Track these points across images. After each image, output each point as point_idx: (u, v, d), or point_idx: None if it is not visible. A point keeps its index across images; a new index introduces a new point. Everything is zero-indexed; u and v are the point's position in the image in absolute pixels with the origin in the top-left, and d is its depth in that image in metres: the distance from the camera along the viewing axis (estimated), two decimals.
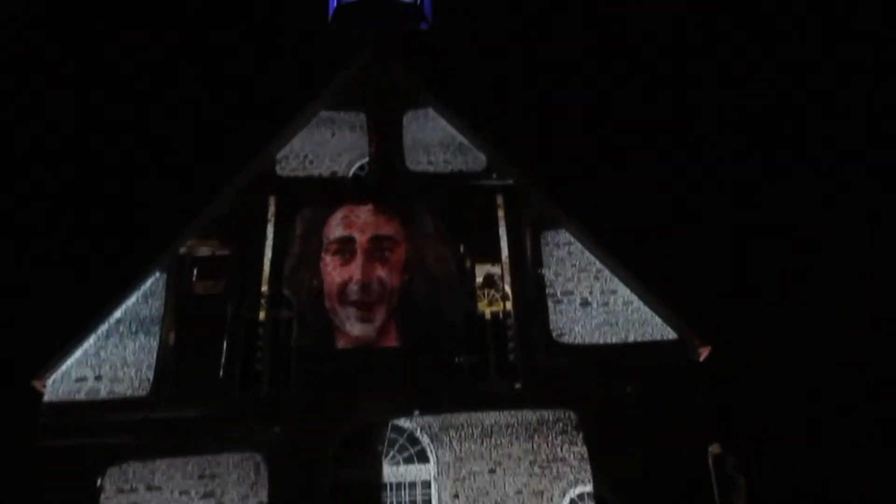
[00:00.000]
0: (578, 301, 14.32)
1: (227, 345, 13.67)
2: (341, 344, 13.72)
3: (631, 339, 14.03)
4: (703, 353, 14.00)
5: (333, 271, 14.20)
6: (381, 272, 14.17)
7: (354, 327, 13.80)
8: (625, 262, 14.52)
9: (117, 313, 13.82)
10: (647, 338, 14.05)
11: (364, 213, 14.71)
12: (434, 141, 15.62)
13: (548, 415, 13.18)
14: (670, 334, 14.10)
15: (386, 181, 15.18)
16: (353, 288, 14.01)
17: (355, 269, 14.13)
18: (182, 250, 14.44)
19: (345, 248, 14.38)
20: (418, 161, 15.46)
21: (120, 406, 13.04)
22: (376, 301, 13.95)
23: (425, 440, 13.03)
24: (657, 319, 14.20)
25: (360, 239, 14.42)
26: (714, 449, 12.99)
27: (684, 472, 12.78)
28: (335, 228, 14.56)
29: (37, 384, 13.30)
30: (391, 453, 13.05)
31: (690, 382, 13.59)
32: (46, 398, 13.18)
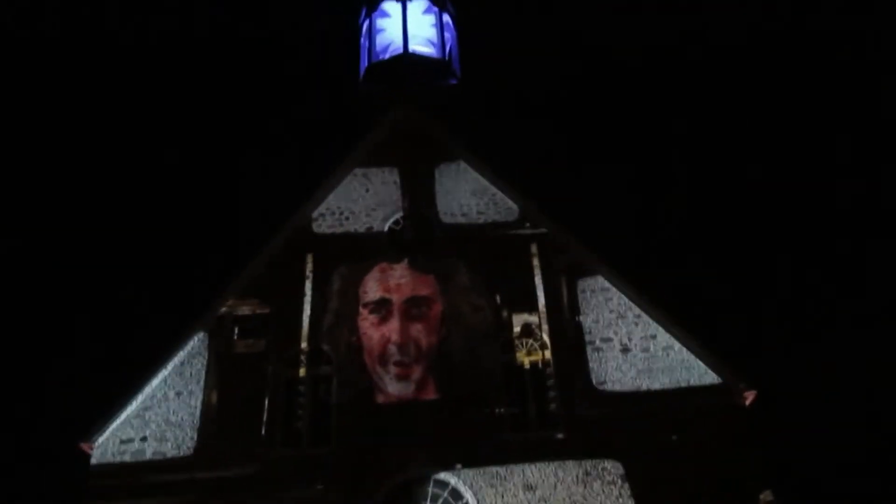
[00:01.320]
0: (618, 348, 14.16)
1: (268, 403, 13.72)
2: (381, 399, 13.72)
3: (673, 385, 13.76)
4: (749, 397, 13.69)
5: (370, 329, 14.28)
6: (418, 331, 14.21)
7: (392, 385, 13.82)
8: (663, 305, 14.40)
9: (161, 374, 14.00)
10: (690, 383, 13.75)
11: (399, 271, 14.83)
12: (466, 193, 15.80)
13: (591, 465, 12.93)
14: (714, 379, 13.79)
15: (420, 235, 15.37)
16: (392, 349, 14.04)
17: (393, 332, 14.19)
18: (223, 310, 14.63)
19: (381, 308, 14.47)
20: (452, 213, 15.64)
21: (164, 467, 13.09)
22: (414, 361, 14.00)
23: (468, 494, 12.87)
24: (700, 364, 13.96)
25: (397, 300, 14.49)
26: (766, 497, 12.66)
27: None
28: (371, 289, 14.67)
29: (84, 447, 13.41)
30: None
31: (737, 428, 13.28)
32: (94, 461, 13.27)
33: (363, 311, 14.48)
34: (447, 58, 19.36)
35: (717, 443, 13.07)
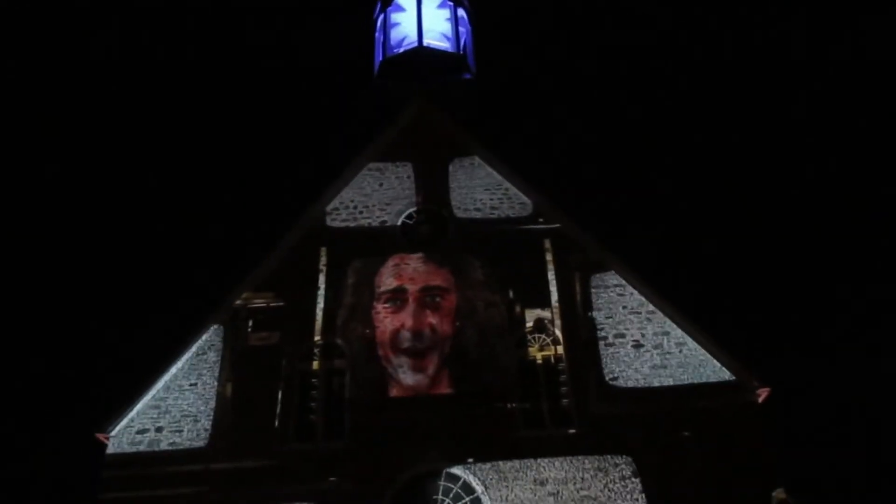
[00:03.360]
0: (630, 344, 14.17)
1: (282, 396, 13.82)
2: (394, 393, 13.76)
3: (686, 381, 13.74)
4: (762, 394, 13.64)
5: (385, 319, 14.36)
6: (432, 319, 14.27)
7: (407, 376, 13.85)
8: (676, 301, 14.37)
9: (176, 365, 14.09)
10: (703, 380, 13.75)
11: (414, 262, 14.89)
12: (480, 188, 15.83)
13: (603, 461, 12.96)
14: (727, 376, 13.79)
15: (435, 229, 15.40)
16: (406, 335, 14.12)
17: (407, 317, 14.27)
18: (238, 303, 14.74)
19: (397, 297, 14.53)
20: (465, 208, 15.68)
21: (179, 457, 13.25)
22: (428, 349, 14.02)
23: (479, 488, 12.90)
24: (713, 361, 13.94)
25: (412, 289, 14.58)
26: (779, 494, 12.61)
27: None
28: (386, 279, 14.74)
29: (100, 437, 13.56)
30: (446, 502, 12.93)
31: (750, 425, 13.26)
32: (110, 450, 13.45)
33: (377, 305, 14.56)
34: (462, 52, 19.40)
35: (730, 440, 13.04)
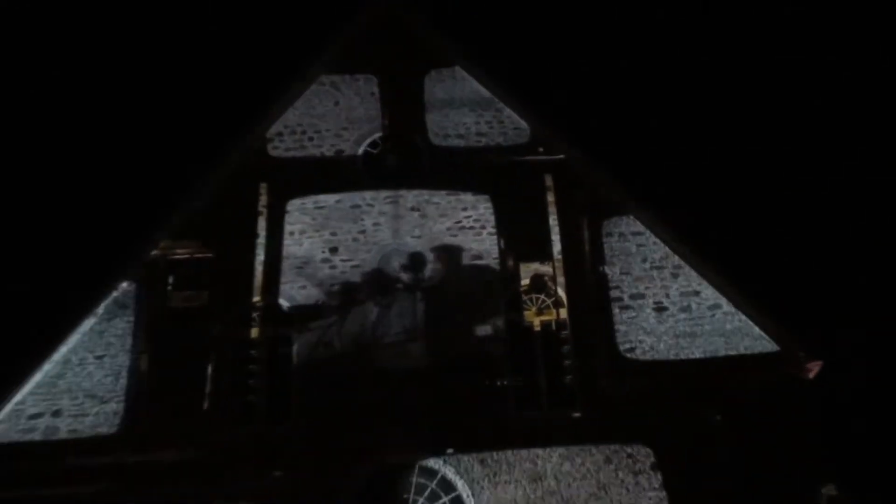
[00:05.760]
0: (651, 306, 14.29)
1: (211, 370, 13.79)
2: (353, 366, 13.80)
3: (719, 353, 13.89)
4: (813, 369, 13.80)
5: None
6: None
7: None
8: (710, 254, 14.44)
9: (77, 333, 14.02)
10: (741, 351, 13.91)
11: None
12: (463, 108, 15.70)
13: (614, 451, 13.11)
14: (770, 346, 13.96)
15: (405, 161, 15.33)
16: None
17: None
18: (154, 253, 14.58)
19: None
20: (445, 134, 15.54)
21: (84, 447, 13.16)
22: None
23: (461, 485, 12.99)
24: (753, 327, 14.08)
25: None
26: (829, 491, 12.86)
27: None
28: None
29: None
30: (419, 502, 13.01)
31: (796, 408, 13.41)
32: None
33: None
34: None
35: (772, 425, 13.17)
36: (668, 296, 14.35)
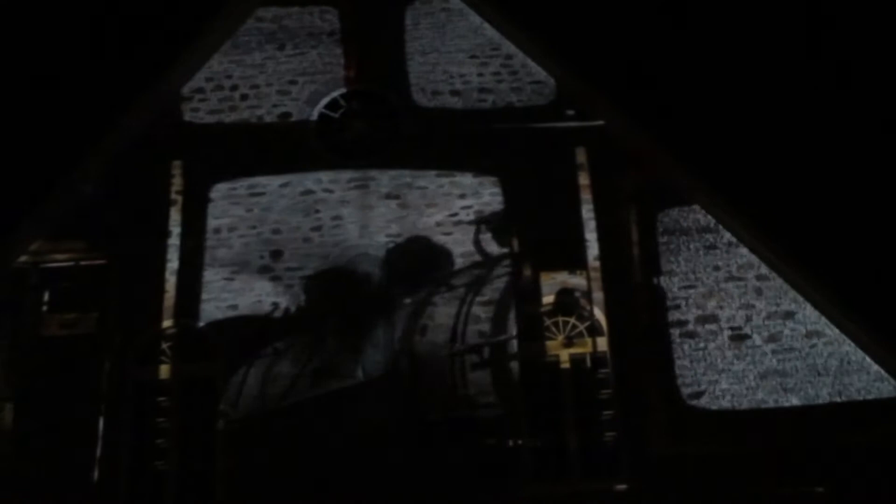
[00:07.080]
0: (727, 334, 13.23)
1: (103, 427, 12.92)
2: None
3: (821, 398, 12.91)
4: None
5: None
6: None
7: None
8: (811, 262, 13.22)
9: None
10: (852, 396, 12.91)
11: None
12: (461, 54, 14.75)
13: None
14: (892, 389, 12.93)
15: (376, 128, 14.46)
16: None
17: None
18: (22, 260, 13.69)
19: None
20: (434, 91, 14.54)
21: None
22: None
23: None
24: (870, 363, 13.06)
25: None
26: None
27: None
28: None
29: None
30: None
31: None
32: None
33: None
34: None
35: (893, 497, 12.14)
36: (750, 319, 13.33)
